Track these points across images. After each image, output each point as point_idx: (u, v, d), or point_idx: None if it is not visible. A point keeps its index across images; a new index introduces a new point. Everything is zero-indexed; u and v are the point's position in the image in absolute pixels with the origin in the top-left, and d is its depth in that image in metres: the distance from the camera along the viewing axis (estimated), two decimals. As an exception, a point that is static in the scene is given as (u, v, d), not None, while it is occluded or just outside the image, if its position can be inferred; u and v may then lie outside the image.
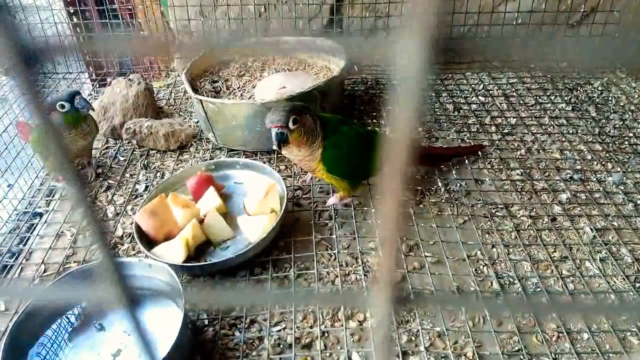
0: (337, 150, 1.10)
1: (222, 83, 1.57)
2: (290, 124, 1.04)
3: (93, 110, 1.30)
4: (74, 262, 1.12)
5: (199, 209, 1.15)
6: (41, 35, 1.80)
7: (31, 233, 1.22)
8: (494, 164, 1.37)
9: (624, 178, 1.29)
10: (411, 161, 0.18)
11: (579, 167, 1.34)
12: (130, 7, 1.87)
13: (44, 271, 1.11)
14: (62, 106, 1.19)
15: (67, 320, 0.95)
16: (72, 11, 1.86)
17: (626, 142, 1.45)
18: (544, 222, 1.17)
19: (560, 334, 0.92)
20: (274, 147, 1.08)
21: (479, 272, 1.05)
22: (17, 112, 1.71)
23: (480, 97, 1.70)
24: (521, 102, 1.67)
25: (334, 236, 1.14)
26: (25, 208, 1.30)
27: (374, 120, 1.59)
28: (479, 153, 1.40)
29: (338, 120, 1.16)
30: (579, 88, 1.75)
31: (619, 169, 1.32)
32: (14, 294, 0.95)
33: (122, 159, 1.47)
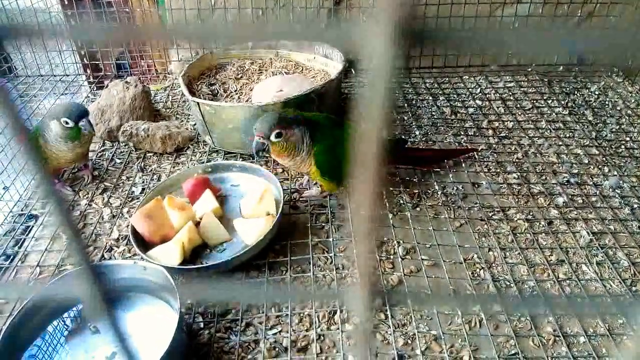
0: (330, 155, 1.10)
1: (220, 86, 1.57)
2: (273, 137, 1.06)
3: (94, 134, 1.31)
4: (70, 264, 1.11)
5: (195, 211, 1.15)
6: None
7: (27, 235, 1.21)
8: (491, 167, 1.37)
9: (621, 182, 1.29)
10: (382, 156, 0.18)
11: (575, 171, 1.34)
12: (127, 9, 1.87)
13: (39, 273, 1.10)
14: (67, 122, 1.19)
15: (62, 323, 0.94)
16: (69, 13, 1.86)
17: (623, 146, 1.45)
18: (541, 225, 1.17)
19: (557, 338, 0.91)
20: (253, 154, 1.12)
21: (476, 275, 1.05)
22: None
23: (477, 101, 1.71)
24: (518, 105, 1.67)
25: (331, 239, 1.14)
26: (21, 210, 1.29)
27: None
28: (475, 156, 1.40)
29: (332, 122, 1.16)
30: (575, 92, 1.76)
31: (615, 173, 1.33)
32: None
33: (118, 161, 1.46)
